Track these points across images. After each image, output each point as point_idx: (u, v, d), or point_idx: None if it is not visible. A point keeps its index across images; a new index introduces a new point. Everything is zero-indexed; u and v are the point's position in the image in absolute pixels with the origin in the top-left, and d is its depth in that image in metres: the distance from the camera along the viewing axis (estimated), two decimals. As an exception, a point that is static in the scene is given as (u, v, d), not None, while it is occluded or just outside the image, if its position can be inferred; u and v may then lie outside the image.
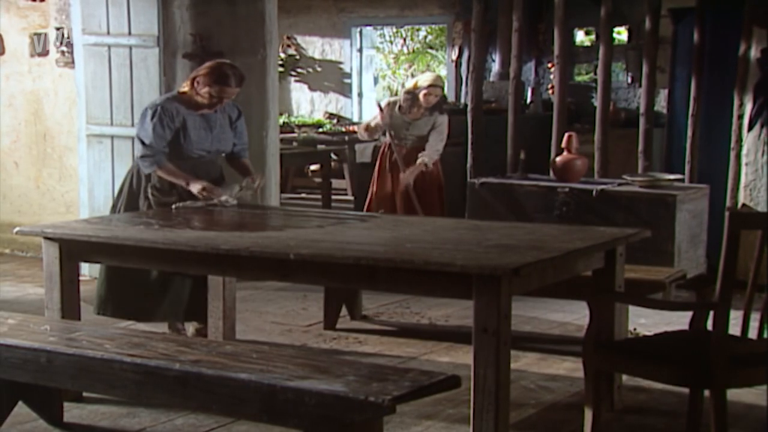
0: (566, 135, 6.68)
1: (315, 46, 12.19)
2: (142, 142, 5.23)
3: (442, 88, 7.43)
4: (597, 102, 7.48)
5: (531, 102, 9.86)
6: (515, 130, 7.54)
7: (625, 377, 4.48)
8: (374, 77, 13.15)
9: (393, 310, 6.32)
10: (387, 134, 7.36)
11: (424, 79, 7.35)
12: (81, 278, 4.72)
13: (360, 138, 7.69)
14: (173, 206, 5.13)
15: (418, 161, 7.21)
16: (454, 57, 11.26)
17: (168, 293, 5.33)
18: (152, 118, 5.20)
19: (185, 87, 5.37)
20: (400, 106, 7.31)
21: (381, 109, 7.32)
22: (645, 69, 7.30)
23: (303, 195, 11.36)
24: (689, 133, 7.14)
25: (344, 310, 6.05)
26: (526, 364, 5.12)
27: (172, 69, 6.79)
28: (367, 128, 7.49)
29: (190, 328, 5.57)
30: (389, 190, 7.36)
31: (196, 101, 5.30)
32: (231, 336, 5.40)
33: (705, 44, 7.17)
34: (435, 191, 7.38)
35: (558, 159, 6.76)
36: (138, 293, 5.31)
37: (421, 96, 7.20)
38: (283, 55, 11.73)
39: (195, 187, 5.19)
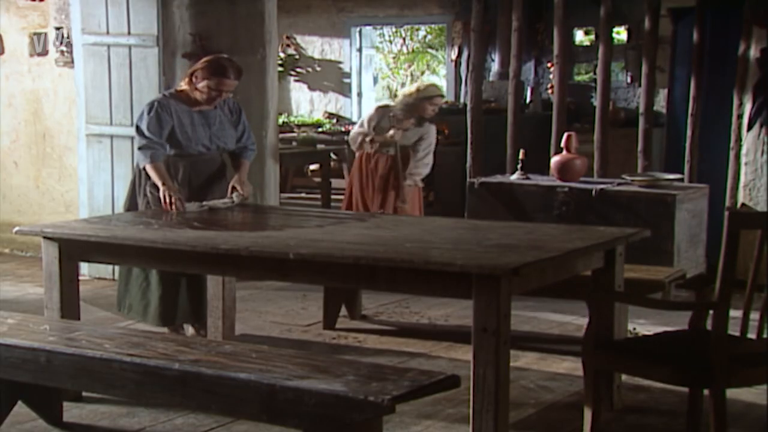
0: (566, 135, 6.68)
1: (314, 46, 12.18)
2: (140, 134, 5.24)
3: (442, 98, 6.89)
4: (596, 102, 7.49)
5: (531, 102, 9.86)
6: (515, 130, 7.54)
7: (624, 377, 4.48)
8: (374, 77, 13.14)
9: (393, 310, 6.32)
10: (368, 143, 6.66)
11: (430, 91, 6.69)
12: (81, 278, 4.72)
13: (364, 148, 6.87)
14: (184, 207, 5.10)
15: (408, 182, 6.63)
16: (453, 57, 11.25)
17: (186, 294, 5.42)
18: (149, 113, 5.23)
19: (183, 84, 5.38)
20: (393, 115, 6.65)
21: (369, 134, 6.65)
22: (644, 69, 7.30)
23: (302, 195, 11.35)
24: (689, 132, 7.15)
25: (344, 310, 6.05)
26: (526, 363, 5.12)
27: (171, 69, 6.79)
28: (373, 140, 6.61)
29: (189, 328, 5.57)
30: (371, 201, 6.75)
31: (194, 98, 5.29)
32: (230, 336, 5.40)
33: (705, 44, 7.17)
34: (415, 198, 6.83)
35: (558, 159, 6.76)
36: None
37: (427, 106, 6.59)
38: (282, 55, 11.72)
39: (163, 191, 5.12)
